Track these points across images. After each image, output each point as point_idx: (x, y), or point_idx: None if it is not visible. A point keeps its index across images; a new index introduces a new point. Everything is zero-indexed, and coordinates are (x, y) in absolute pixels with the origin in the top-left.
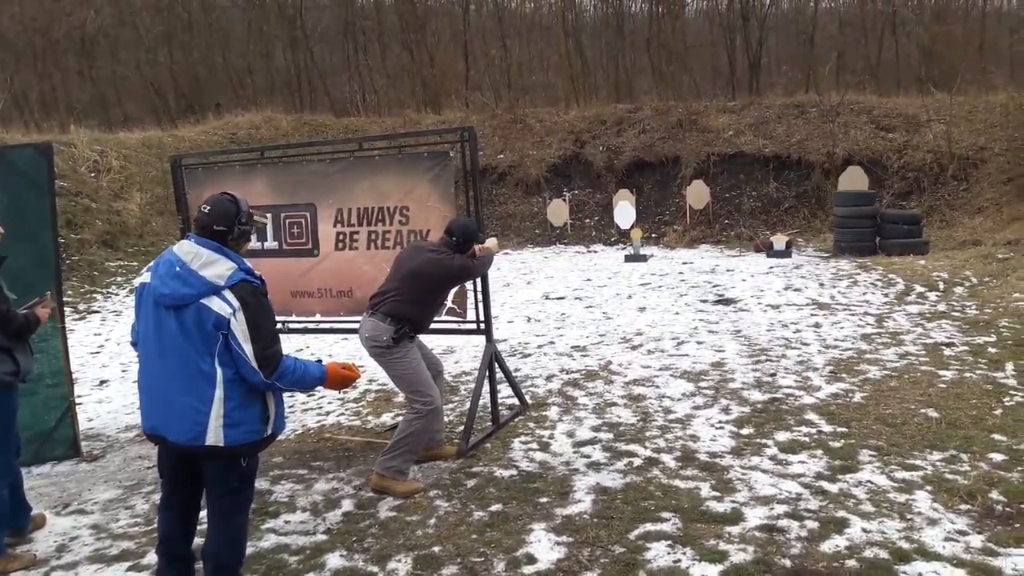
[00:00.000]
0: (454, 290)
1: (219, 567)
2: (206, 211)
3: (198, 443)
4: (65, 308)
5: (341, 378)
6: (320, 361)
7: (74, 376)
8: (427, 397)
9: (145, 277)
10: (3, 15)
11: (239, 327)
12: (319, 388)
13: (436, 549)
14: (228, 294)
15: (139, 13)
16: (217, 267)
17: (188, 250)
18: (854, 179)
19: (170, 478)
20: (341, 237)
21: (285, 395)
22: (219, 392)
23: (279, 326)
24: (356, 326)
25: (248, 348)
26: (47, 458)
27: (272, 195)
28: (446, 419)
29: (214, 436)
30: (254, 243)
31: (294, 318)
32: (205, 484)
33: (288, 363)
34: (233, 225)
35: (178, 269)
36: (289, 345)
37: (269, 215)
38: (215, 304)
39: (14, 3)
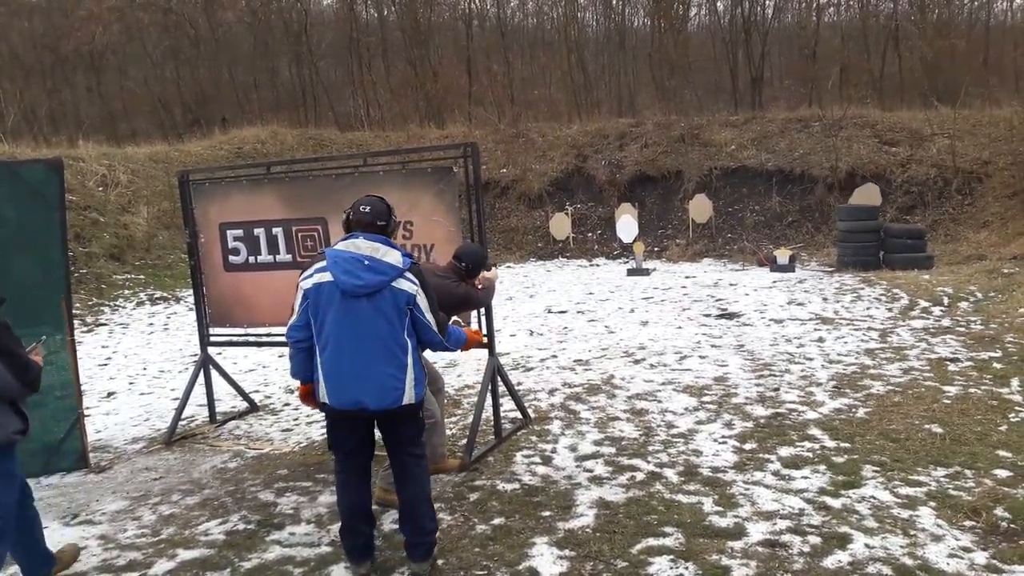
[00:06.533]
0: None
1: (428, 533)
2: (367, 211)
3: (398, 405)
4: (73, 321)
5: (476, 342)
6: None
7: (82, 388)
8: (427, 411)
9: (318, 278)
10: (13, 31)
11: (423, 301)
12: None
13: (439, 562)
14: (409, 275)
15: (146, 30)
16: (394, 255)
17: (368, 246)
18: (869, 194)
19: (354, 450)
20: None
21: (298, 405)
22: (409, 359)
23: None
24: None
25: (430, 317)
26: (56, 469)
27: (283, 209)
28: (449, 432)
29: (409, 396)
30: (266, 256)
31: None
32: (394, 451)
33: (450, 327)
34: (389, 220)
35: (367, 263)
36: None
37: (280, 228)
38: (404, 284)
39: (24, 19)
